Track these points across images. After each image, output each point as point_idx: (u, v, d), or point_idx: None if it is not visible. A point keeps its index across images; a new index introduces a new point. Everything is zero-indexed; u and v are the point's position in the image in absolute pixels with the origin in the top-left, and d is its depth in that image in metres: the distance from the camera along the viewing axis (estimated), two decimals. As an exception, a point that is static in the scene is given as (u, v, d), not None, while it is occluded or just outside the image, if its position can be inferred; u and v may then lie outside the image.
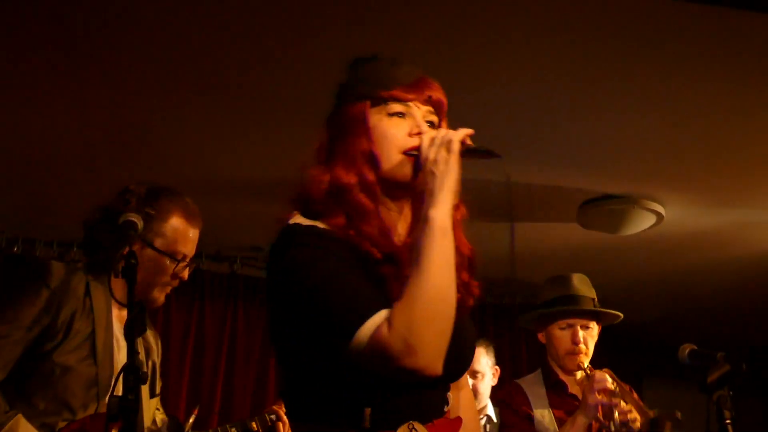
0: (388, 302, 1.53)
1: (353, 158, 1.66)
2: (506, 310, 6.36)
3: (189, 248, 2.57)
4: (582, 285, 3.27)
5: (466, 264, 1.72)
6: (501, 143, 1.90)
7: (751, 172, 4.34)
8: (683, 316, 6.45)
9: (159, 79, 3.60)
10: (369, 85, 1.72)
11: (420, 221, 1.58)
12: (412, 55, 3.38)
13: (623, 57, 3.37)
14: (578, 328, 3.17)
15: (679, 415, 2.73)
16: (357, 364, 1.51)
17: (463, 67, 3.42)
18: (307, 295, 1.56)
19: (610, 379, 2.98)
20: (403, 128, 1.68)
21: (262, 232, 5.63)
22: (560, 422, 3.06)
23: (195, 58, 3.44)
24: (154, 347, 2.69)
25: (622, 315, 3.27)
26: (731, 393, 2.14)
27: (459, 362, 1.69)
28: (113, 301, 2.43)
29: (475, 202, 1.77)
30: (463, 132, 1.63)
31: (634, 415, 2.92)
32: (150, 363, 2.62)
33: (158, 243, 2.49)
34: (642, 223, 4.78)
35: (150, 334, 2.68)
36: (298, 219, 1.67)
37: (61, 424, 2.30)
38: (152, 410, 2.64)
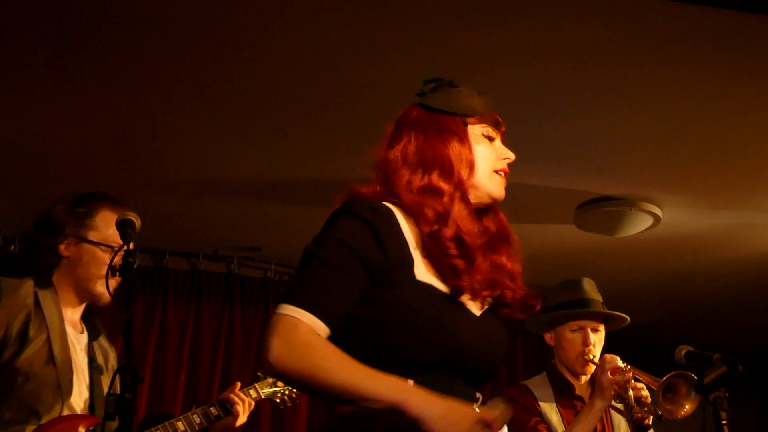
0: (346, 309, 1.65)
1: (452, 165, 1.81)
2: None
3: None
4: (592, 289, 3.34)
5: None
6: (499, 144, 1.93)
7: (749, 174, 4.34)
8: (680, 318, 6.45)
9: (157, 79, 3.59)
10: (470, 106, 1.91)
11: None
12: (408, 53, 3.41)
13: (620, 58, 3.37)
14: (589, 330, 3.21)
15: (692, 375, 2.75)
16: None
17: (459, 67, 3.42)
18: (312, 257, 1.68)
19: (619, 358, 3.02)
20: (495, 151, 1.91)
21: (259, 232, 5.68)
22: (568, 424, 3.07)
23: (193, 59, 3.44)
24: (111, 352, 2.75)
25: (629, 318, 3.32)
26: (727, 394, 2.15)
27: (496, 372, 1.79)
28: (63, 306, 2.54)
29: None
30: None
31: (647, 392, 2.97)
32: (109, 367, 2.69)
33: (92, 236, 2.58)
34: (639, 224, 4.79)
35: (104, 340, 2.74)
36: (381, 198, 1.78)
37: (29, 431, 2.35)
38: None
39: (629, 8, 3.10)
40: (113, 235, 2.55)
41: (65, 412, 2.42)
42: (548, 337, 3.31)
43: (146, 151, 4.25)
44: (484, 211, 1.91)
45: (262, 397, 3.21)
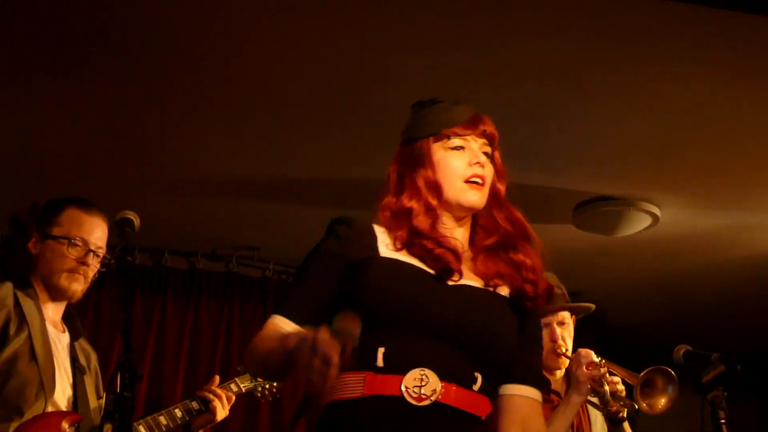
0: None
1: (419, 188, 1.89)
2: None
3: (86, 233, 2.68)
4: (552, 282, 3.30)
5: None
6: (497, 144, 1.94)
7: (747, 174, 4.34)
8: (679, 318, 6.45)
9: (155, 79, 3.60)
10: (431, 125, 1.95)
11: None
12: (406, 57, 3.41)
13: (618, 58, 3.38)
14: (555, 325, 3.17)
15: (670, 370, 2.78)
16: None
17: (458, 69, 3.43)
18: (304, 262, 1.87)
19: (593, 353, 3.00)
20: (464, 159, 1.91)
21: (257, 231, 5.67)
22: (546, 419, 3.07)
23: (193, 59, 3.44)
24: (92, 354, 2.78)
25: (594, 306, 3.29)
26: (726, 393, 2.15)
27: (486, 342, 1.79)
28: (43, 305, 2.59)
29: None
30: None
31: (622, 386, 2.97)
32: (92, 367, 2.72)
33: (55, 231, 2.65)
34: (637, 224, 4.79)
35: (85, 342, 2.78)
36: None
37: (12, 429, 2.38)
38: (99, 411, 2.71)
39: (629, 8, 3.10)
40: (78, 232, 2.63)
41: (49, 409, 2.45)
42: None
43: (146, 151, 4.25)
44: (498, 210, 1.97)
45: (243, 391, 3.32)
